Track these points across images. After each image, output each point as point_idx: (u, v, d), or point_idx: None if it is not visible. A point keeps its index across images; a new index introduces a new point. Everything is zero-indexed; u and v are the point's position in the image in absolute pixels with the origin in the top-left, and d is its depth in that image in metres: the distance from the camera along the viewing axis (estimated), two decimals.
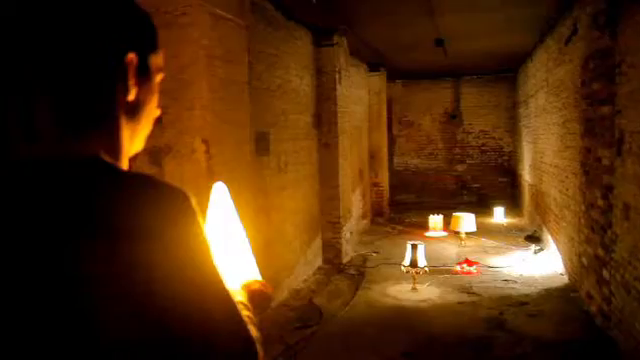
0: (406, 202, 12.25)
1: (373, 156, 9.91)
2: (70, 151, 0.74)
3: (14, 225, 0.68)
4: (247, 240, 1.14)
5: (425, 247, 5.62)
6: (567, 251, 5.72)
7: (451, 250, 7.39)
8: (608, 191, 4.02)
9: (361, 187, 9.14)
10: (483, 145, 12.47)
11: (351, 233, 7.22)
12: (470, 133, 12.51)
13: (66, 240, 0.67)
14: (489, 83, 12.22)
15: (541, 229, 7.55)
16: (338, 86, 6.63)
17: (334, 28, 6.50)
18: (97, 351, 0.67)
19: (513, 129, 11.93)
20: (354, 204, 8.50)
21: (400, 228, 9.30)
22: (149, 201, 0.71)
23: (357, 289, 5.67)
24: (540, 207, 7.77)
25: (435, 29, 6.85)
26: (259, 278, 1.11)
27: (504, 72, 11.64)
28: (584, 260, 4.85)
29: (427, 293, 5.44)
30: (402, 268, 5.56)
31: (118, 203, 0.70)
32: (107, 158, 0.76)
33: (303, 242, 6.06)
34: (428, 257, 6.93)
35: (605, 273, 4.12)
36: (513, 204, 11.42)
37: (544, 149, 7.46)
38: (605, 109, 4.09)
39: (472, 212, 10.99)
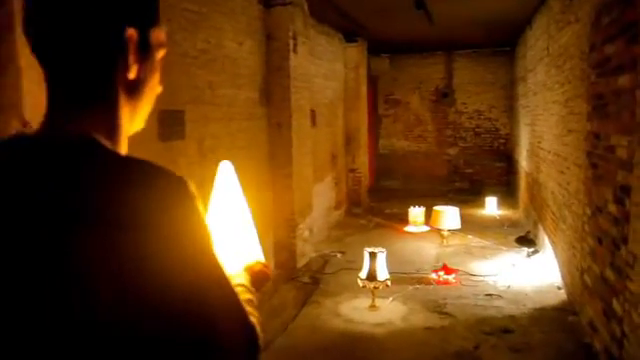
0: (391, 189, 11.15)
1: (350, 138, 8.75)
2: (62, 131, 0.71)
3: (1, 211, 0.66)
4: (251, 220, 1.11)
5: (386, 255, 4.50)
6: (566, 261, 4.62)
7: (430, 251, 6.30)
8: (624, 194, 2.89)
9: (334, 174, 8.02)
10: (477, 127, 11.30)
11: (310, 231, 6.12)
12: (463, 113, 11.34)
13: (53, 230, 0.64)
14: (485, 58, 11.00)
15: (536, 227, 6.44)
16: (292, 55, 5.46)
17: None
18: (91, 343, 0.64)
19: (510, 109, 10.74)
20: (324, 194, 7.39)
21: (378, 221, 8.20)
22: (145, 187, 0.67)
23: (305, 304, 4.59)
24: (536, 200, 6.65)
25: None
26: (261, 259, 1.10)
27: (501, 46, 10.42)
28: (587, 279, 3.75)
29: (389, 312, 4.36)
30: (358, 281, 4.47)
31: (111, 189, 0.66)
32: (102, 139, 0.72)
33: None
34: (401, 259, 5.87)
35: (616, 305, 3.02)
36: (509, 193, 10.30)
37: (542, 132, 6.31)
38: (623, 80, 2.93)
39: (464, 200, 9.93)
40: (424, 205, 7.52)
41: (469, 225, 7.44)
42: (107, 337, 0.65)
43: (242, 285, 0.94)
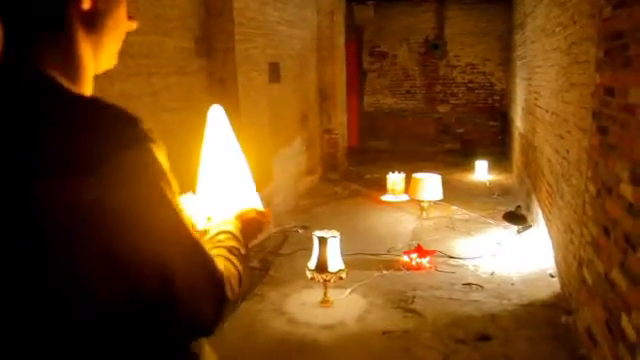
0: (376, 150, 10.28)
1: (324, 95, 7.81)
2: (13, 69, 0.68)
3: None
4: (247, 166, 1.10)
5: (340, 239, 3.67)
6: (561, 244, 3.82)
7: (407, 225, 5.50)
8: None
9: (304, 135, 7.12)
10: (470, 82, 10.32)
11: (268, 203, 5.29)
12: (455, 67, 10.33)
13: (8, 176, 0.62)
14: (480, 5, 9.90)
15: (530, 197, 5.62)
16: None
17: None
18: (49, 285, 0.64)
19: (507, 62, 9.74)
20: (292, 159, 6.54)
21: (354, 188, 7.38)
22: (94, 127, 0.65)
23: (244, 298, 3.81)
24: (531, 167, 5.80)
25: None
26: (257, 205, 1.08)
27: None
28: (586, 275, 2.95)
29: (343, 309, 3.58)
30: (307, 272, 3.67)
31: (60, 130, 0.63)
32: (58, 76, 0.69)
33: None
34: (372, 236, 5.10)
35: (626, 324, 2.22)
36: (503, 154, 9.46)
37: (540, 87, 5.40)
38: None
39: (454, 163, 9.10)
40: (411, 169, 6.68)
41: (455, 193, 6.65)
42: (60, 276, 0.64)
43: (227, 232, 0.92)
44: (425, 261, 4.31)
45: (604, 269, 2.59)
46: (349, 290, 3.83)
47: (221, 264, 0.80)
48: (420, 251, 4.40)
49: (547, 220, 4.47)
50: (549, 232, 4.36)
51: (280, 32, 6.07)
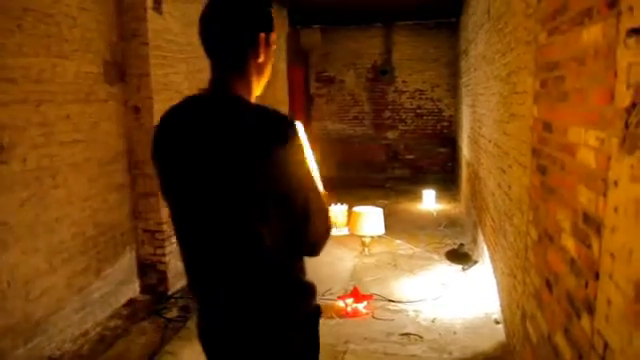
0: (325, 177, 9.87)
1: None
2: (223, 93, 1.31)
3: (201, 134, 1.25)
4: (316, 166, 1.52)
5: None
6: (505, 288, 3.51)
7: (346, 263, 5.10)
8: (590, 227, 1.71)
9: None
10: (419, 107, 10.17)
11: None
12: (403, 92, 10.18)
13: (222, 144, 1.21)
14: (428, 31, 9.83)
15: (476, 229, 5.35)
16: (153, 16, 4.05)
17: None
18: (256, 196, 1.22)
19: (455, 88, 9.65)
20: None
21: None
22: (270, 123, 1.22)
23: (152, 357, 3.29)
24: (476, 198, 5.55)
25: None
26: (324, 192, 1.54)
27: (446, 16, 9.23)
28: (530, 330, 2.62)
29: None
30: None
31: (253, 123, 1.21)
32: (244, 96, 1.31)
33: (81, 271, 3.61)
34: (310, 277, 4.64)
35: None
36: (453, 181, 9.30)
37: (482, 116, 5.18)
38: (590, 33, 1.73)
39: (403, 191, 8.87)
40: (358, 197, 6.35)
41: (401, 224, 6.34)
42: (259, 193, 1.22)
43: None
44: (361, 307, 3.92)
45: (547, 330, 2.25)
46: None
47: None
48: (356, 295, 4.01)
49: (492, 259, 4.18)
50: (494, 272, 4.06)
51: (189, 52, 5.67)
